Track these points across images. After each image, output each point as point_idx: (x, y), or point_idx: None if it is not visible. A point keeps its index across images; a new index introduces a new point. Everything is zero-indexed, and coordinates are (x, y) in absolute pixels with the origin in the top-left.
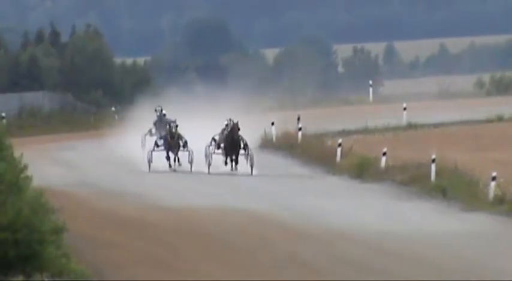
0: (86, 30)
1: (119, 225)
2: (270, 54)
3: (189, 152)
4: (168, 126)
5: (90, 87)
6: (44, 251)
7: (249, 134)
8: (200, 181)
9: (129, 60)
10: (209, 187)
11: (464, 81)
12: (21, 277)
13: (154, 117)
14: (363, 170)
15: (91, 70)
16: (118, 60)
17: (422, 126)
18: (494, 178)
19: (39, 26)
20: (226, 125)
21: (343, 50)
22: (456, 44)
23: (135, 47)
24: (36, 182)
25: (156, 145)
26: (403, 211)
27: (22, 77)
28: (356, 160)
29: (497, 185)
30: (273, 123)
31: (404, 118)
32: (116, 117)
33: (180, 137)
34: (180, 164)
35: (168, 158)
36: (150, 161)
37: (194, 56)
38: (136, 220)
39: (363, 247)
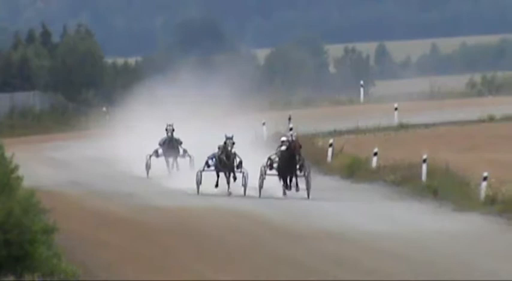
0: (77, 30)
1: (111, 225)
2: (262, 54)
3: (243, 173)
4: (224, 143)
5: (82, 87)
6: (35, 251)
7: (240, 134)
8: (193, 181)
9: (120, 60)
10: (203, 187)
11: (456, 82)
12: (12, 277)
13: (156, 134)
14: (354, 170)
15: (82, 70)
16: (109, 60)
17: (413, 126)
18: (485, 178)
19: (30, 26)
20: (283, 142)
21: (335, 50)
22: (447, 44)
23: (126, 47)
24: (27, 182)
25: (207, 164)
26: (395, 211)
27: (13, 77)
28: (347, 160)
29: (489, 186)
30: (264, 124)
31: (396, 118)
32: (107, 117)
33: (235, 156)
34: (230, 193)
35: (218, 178)
36: (199, 183)
37: (186, 56)
38: (128, 220)
39: (355, 247)
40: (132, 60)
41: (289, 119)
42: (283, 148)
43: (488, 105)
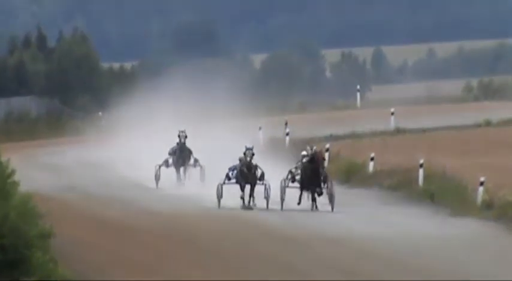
0: (73, 34)
1: (107, 230)
2: (258, 59)
3: (265, 185)
4: (244, 155)
5: (78, 92)
6: (32, 255)
7: (237, 139)
8: (189, 186)
9: (116, 65)
10: (201, 191)
11: (453, 86)
12: None
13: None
14: (350, 175)
15: (78, 75)
16: (105, 64)
17: (410, 131)
18: (482, 183)
19: (26, 31)
20: (304, 156)
21: (331, 55)
22: (444, 48)
23: (122, 52)
24: (24, 187)
25: (228, 177)
26: (391, 215)
27: (9, 81)
28: (344, 165)
29: (486, 190)
30: (260, 128)
31: (392, 123)
32: (103, 122)
33: (256, 168)
34: (254, 205)
35: (244, 193)
36: (219, 197)
37: (181, 61)
38: (123, 225)
39: (351, 252)
40: (127, 65)
41: (286, 124)
42: (306, 159)
43: (485, 110)
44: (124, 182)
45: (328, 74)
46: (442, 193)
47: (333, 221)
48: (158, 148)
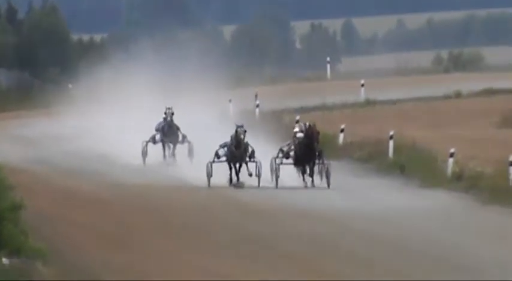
0: (42, 6)
1: (77, 202)
2: (227, 30)
3: (256, 163)
4: (235, 132)
5: (47, 64)
6: (3, 228)
7: (207, 111)
8: (159, 160)
9: (86, 37)
10: (172, 166)
11: (423, 58)
12: None
13: (153, 120)
14: (321, 146)
15: (48, 47)
16: (75, 36)
17: (380, 102)
18: (452, 155)
19: None
20: (296, 132)
21: (301, 27)
22: (414, 20)
23: (92, 24)
24: None
25: (217, 155)
26: (362, 187)
27: None
28: None
29: (456, 162)
30: (230, 101)
31: (362, 95)
32: (73, 94)
33: (247, 146)
34: (242, 183)
35: (231, 171)
36: (209, 175)
37: (151, 33)
38: (95, 198)
39: (324, 225)
40: (97, 37)
41: (256, 96)
42: (300, 134)
43: (455, 81)
44: (95, 155)
45: (298, 45)
46: (412, 165)
47: (305, 194)
48: (128, 120)
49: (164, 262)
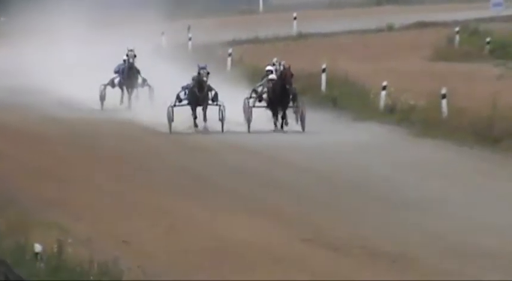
0: None
1: (7, 136)
2: None
3: (219, 106)
4: (198, 74)
5: None
6: None
7: (140, 44)
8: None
9: None
10: (111, 101)
11: None
12: None
13: (115, 62)
14: (254, 80)
15: None
16: None
17: (312, 35)
18: (384, 87)
19: None
20: (268, 71)
21: None
22: None
23: None
24: None
25: (178, 99)
26: (295, 121)
27: None
28: (247, 70)
29: (388, 95)
30: (163, 33)
31: (295, 28)
32: (5, 27)
33: (209, 88)
34: (207, 127)
35: (194, 115)
36: (170, 120)
37: None
38: (25, 131)
39: (256, 158)
40: None
41: (188, 28)
42: (272, 76)
43: (387, 14)
44: (26, 89)
45: None
46: (345, 98)
47: (243, 130)
48: (59, 54)
49: (100, 197)
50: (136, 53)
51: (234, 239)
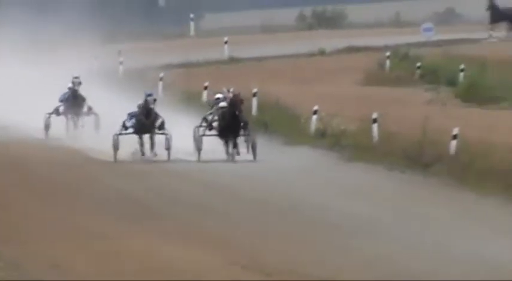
0: None
1: None
2: None
3: (166, 135)
4: (144, 101)
5: None
6: None
7: (72, 68)
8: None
9: None
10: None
11: (286, 15)
12: None
13: (60, 90)
14: (185, 103)
15: None
16: None
17: (244, 60)
18: (315, 112)
19: None
20: (218, 99)
21: None
22: None
23: None
24: None
25: (124, 126)
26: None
27: None
28: (179, 94)
29: (319, 119)
30: (95, 58)
31: (226, 52)
32: None
33: (157, 116)
34: (155, 154)
35: (141, 143)
36: (116, 148)
37: None
38: None
39: (194, 184)
40: None
41: (119, 53)
42: (223, 104)
43: (319, 38)
44: None
45: (160, 2)
46: (276, 122)
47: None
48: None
49: (31, 221)
50: (68, 77)
51: (166, 263)
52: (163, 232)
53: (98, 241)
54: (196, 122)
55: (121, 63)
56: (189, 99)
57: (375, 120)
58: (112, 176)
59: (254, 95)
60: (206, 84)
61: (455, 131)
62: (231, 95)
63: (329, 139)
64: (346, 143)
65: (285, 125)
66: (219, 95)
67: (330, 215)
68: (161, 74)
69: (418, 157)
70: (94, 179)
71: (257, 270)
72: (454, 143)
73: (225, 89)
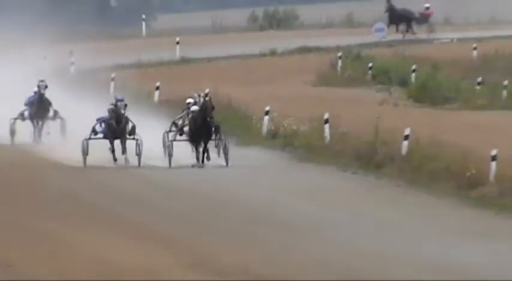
0: None
1: None
2: None
3: (136, 141)
4: (114, 106)
5: None
6: None
7: (21, 69)
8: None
9: None
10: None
11: (238, 16)
12: None
13: (26, 94)
14: (137, 104)
15: None
16: None
17: (195, 60)
18: (267, 113)
19: None
20: (189, 104)
21: None
22: None
23: None
24: None
25: (94, 131)
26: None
27: None
28: (130, 94)
29: (271, 120)
30: (45, 58)
31: (178, 52)
32: None
33: (127, 121)
34: (128, 161)
35: (112, 149)
36: (85, 153)
37: None
38: None
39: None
40: None
41: (71, 53)
42: (194, 107)
43: (270, 39)
44: None
45: (112, 2)
46: (228, 123)
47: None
48: None
49: None
50: (18, 77)
51: (118, 263)
52: (117, 233)
53: (50, 241)
54: (147, 123)
55: (72, 63)
56: (140, 99)
57: (326, 121)
58: (71, 180)
59: (206, 95)
60: (158, 84)
61: (407, 131)
62: (202, 99)
63: (281, 140)
64: (298, 143)
65: (237, 125)
66: (190, 100)
67: (282, 215)
68: (113, 75)
69: (370, 157)
70: (56, 184)
71: (208, 269)
72: (405, 143)
73: (195, 94)
